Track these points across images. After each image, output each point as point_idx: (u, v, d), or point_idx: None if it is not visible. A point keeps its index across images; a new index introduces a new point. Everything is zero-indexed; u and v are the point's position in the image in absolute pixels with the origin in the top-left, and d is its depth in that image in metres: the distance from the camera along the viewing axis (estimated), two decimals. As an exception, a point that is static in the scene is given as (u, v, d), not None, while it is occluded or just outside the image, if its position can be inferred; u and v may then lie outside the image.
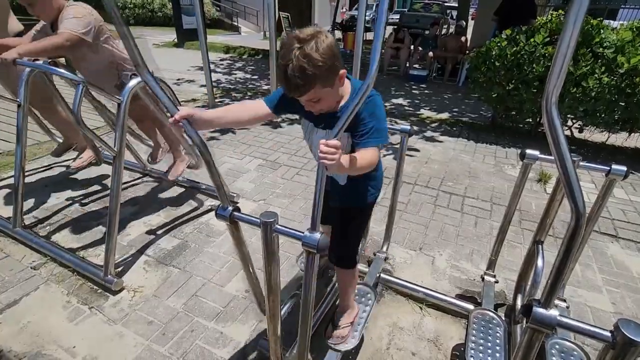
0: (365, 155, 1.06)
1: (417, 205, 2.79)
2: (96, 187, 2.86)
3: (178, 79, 6.66)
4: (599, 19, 3.56)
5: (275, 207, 2.70)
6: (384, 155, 3.63)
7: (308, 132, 1.23)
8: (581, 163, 1.41)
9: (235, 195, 2.79)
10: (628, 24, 3.50)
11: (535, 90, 3.69)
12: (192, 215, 2.56)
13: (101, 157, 2.66)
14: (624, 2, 14.41)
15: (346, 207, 1.36)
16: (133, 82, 1.81)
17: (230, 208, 1.02)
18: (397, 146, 2.85)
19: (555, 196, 1.46)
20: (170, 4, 13.14)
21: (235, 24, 16.95)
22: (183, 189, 2.90)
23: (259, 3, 15.84)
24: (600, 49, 3.37)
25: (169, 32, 13.15)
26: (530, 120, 4.21)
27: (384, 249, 2.10)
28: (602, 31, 3.39)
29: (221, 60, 9.12)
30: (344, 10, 15.80)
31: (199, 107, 5.05)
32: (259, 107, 1.18)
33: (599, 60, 3.39)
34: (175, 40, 11.28)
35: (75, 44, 1.99)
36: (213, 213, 2.53)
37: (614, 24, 3.74)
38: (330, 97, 1.04)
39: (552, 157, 0.74)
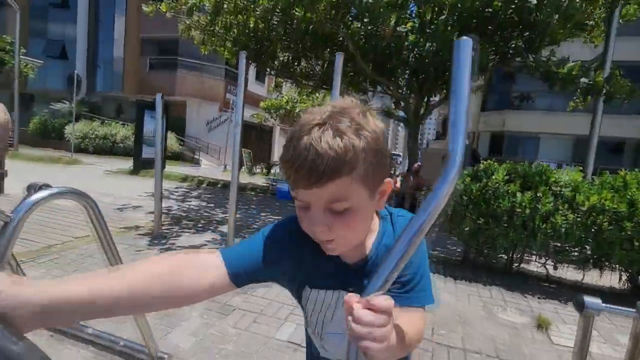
0: (415, 323, 0.60)
1: (413, 366, 2.14)
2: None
3: (123, 205, 6.07)
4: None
5: (222, 375, 1.90)
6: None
7: (320, 312, 0.69)
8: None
9: (165, 357, 1.98)
10: (574, 169, 3.78)
11: (505, 225, 3.62)
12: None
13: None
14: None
15: None
16: None
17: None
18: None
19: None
20: (133, 135, 13.49)
21: (197, 157, 17.56)
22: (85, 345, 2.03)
23: (222, 140, 16.91)
24: (558, 188, 3.51)
25: (127, 161, 13.07)
26: (504, 255, 4.05)
27: None
28: (554, 172, 3.61)
29: (177, 188, 8.82)
30: None
31: (139, 234, 4.37)
32: (208, 264, 0.58)
33: (559, 198, 3.49)
34: (131, 168, 11.06)
35: None
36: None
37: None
38: (362, 215, 0.59)
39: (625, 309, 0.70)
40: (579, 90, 4.63)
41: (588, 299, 1.14)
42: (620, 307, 1.10)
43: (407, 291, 0.64)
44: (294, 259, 0.65)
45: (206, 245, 4.28)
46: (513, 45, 5.75)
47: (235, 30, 6.43)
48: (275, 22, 5.93)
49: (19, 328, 0.41)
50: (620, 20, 5.89)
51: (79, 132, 15.81)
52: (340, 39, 5.88)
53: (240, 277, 0.60)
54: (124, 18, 19.80)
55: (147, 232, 4.51)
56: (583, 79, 4.36)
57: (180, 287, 0.53)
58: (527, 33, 5.38)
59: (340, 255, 0.64)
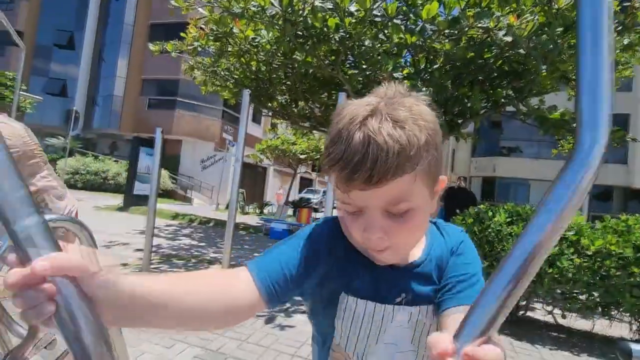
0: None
1: None
2: None
3: (110, 242, 5.82)
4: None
5: None
6: None
7: (360, 328, 0.58)
8: None
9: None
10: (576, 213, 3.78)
11: (511, 269, 3.51)
12: None
13: None
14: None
15: None
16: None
17: None
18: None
19: None
20: (126, 172, 13.36)
21: (189, 196, 17.37)
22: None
23: (216, 179, 16.85)
24: (562, 231, 3.46)
25: (117, 198, 12.83)
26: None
27: None
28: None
29: (167, 225, 8.57)
30: (281, 191, 17.52)
31: (133, 272, 4.14)
32: (238, 282, 0.50)
33: (564, 242, 3.43)
34: (121, 204, 10.83)
35: None
36: None
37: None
38: (423, 217, 0.53)
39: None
40: (570, 133, 4.78)
41: (635, 346, 1.03)
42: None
43: (462, 290, 0.56)
44: (331, 262, 0.57)
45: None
46: (504, 94, 6.01)
47: (237, 72, 6.64)
48: (277, 65, 6.14)
49: (100, 304, 0.36)
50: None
51: (70, 167, 15.65)
52: (339, 82, 6.08)
53: (272, 292, 0.52)
54: (127, 59, 20.49)
55: (135, 270, 4.27)
56: (575, 125, 4.50)
57: (232, 304, 0.48)
58: (517, 82, 5.65)
59: (395, 250, 0.56)
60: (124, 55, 20.59)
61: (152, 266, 4.45)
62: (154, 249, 5.02)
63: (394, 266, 0.58)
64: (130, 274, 0.41)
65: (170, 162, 18.08)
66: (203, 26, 4.88)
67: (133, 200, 10.64)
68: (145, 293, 0.41)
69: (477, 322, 0.34)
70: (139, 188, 10.86)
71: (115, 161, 17.37)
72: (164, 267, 4.67)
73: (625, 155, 16.68)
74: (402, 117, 0.48)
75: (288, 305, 3.67)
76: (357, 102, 0.52)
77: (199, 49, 5.15)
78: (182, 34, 5.37)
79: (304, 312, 3.52)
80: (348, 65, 6.12)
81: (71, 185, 15.48)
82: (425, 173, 0.50)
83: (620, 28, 4.14)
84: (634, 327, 3.66)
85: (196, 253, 5.80)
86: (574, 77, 6.17)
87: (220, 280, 0.50)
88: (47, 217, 1.32)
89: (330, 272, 0.57)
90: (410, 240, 0.55)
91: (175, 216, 10.04)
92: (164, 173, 16.97)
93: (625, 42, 4.18)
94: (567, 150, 7.16)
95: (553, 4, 4.36)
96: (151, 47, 5.49)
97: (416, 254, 0.60)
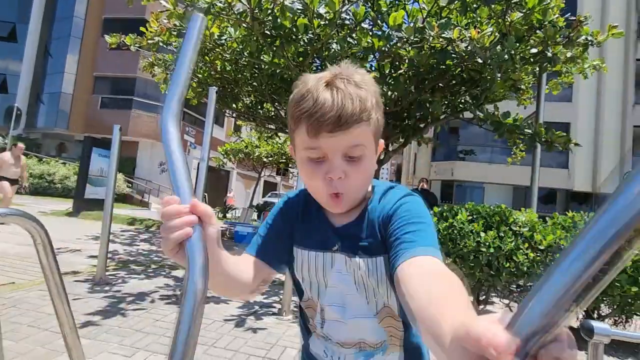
0: (444, 271, 0.50)
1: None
2: None
3: (59, 248, 5.36)
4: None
5: None
6: None
7: (316, 272, 0.69)
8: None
9: None
10: (529, 210, 4.04)
11: (472, 264, 3.67)
12: None
13: None
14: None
15: None
16: None
17: None
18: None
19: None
20: (76, 175, 12.43)
21: (146, 200, 16.51)
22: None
23: (176, 183, 16.16)
24: (517, 227, 3.69)
25: (65, 202, 11.91)
26: (471, 297, 4.07)
27: None
28: (512, 212, 3.81)
29: (123, 231, 8.06)
30: (231, 195, 17.39)
31: (78, 280, 3.83)
32: (248, 261, 0.68)
33: (519, 238, 3.65)
34: (70, 209, 10.04)
35: None
36: None
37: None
38: (371, 164, 0.65)
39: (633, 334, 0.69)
40: (522, 138, 5.13)
41: (597, 325, 1.11)
42: (628, 332, 1.08)
43: (412, 236, 0.57)
44: (292, 225, 0.71)
45: (157, 291, 3.82)
46: (462, 100, 6.33)
47: (201, 71, 6.43)
48: (243, 65, 6.03)
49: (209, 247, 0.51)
50: (547, 91, 6.83)
51: (10, 169, 14.27)
52: (306, 84, 6.10)
53: (272, 258, 0.69)
54: (77, 55, 19.17)
55: (88, 278, 3.96)
56: (527, 130, 4.83)
57: (243, 268, 0.66)
58: (474, 89, 5.98)
59: (329, 217, 0.69)
60: (74, 50, 19.23)
61: (107, 273, 4.15)
62: (109, 255, 4.69)
63: (334, 224, 0.69)
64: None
65: (126, 164, 17.09)
66: (165, 20, 4.68)
67: (84, 205, 9.90)
68: (223, 255, 0.58)
69: (543, 309, 0.26)
70: (90, 192, 10.13)
71: (63, 163, 16.07)
72: (121, 273, 4.38)
73: (567, 160, 18.22)
74: (359, 79, 0.61)
75: (257, 307, 3.58)
76: (317, 74, 0.63)
77: (161, 44, 4.92)
78: (142, 29, 5.10)
79: (274, 314, 3.44)
80: (315, 68, 6.15)
81: (11, 190, 14.11)
82: (375, 127, 0.63)
83: (565, 42, 4.52)
84: (580, 316, 3.97)
85: (156, 258, 5.50)
86: (523, 86, 6.69)
87: (245, 260, 0.68)
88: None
89: (291, 233, 0.71)
90: (361, 185, 0.65)
91: (131, 221, 9.49)
92: (119, 176, 15.99)
93: (569, 54, 4.57)
94: (519, 159, 7.70)
95: (507, 17, 4.68)
96: (107, 39, 5.16)
97: (355, 213, 0.68)
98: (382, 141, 0.68)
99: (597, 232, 0.25)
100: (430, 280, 0.47)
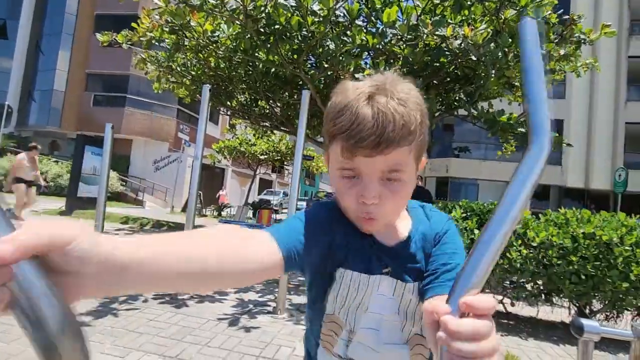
0: None
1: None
2: None
3: (52, 248, 5.31)
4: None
5: None
6: None
7: (357, 294, 0.62)
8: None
9: None
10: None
11: (466, 262, 3.70)
12: None
13: None
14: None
15: None
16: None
17: None
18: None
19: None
20: (69, 173, 12.32)
21: (140, 198, 16.41)
22: None
23: (170, 181, 16.07)
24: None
25: (57, 202, 11.79)
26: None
27: None
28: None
29: (117, 230, 8.01)
30: (223, 192, 17.19)
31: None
32: (260, 242, 0.53)
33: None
34: (62, 208, 9.95)
35: None
36: None
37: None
38: (410, 188, 0.60)
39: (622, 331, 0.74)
40: (515, 135, 5.16)
41: (587, 322, 1.11)
42: (617, 330, 1.09)
43: (448, 279, 0.58)
44: (329, 238, 0.62)
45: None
46: (457, 98, 6.35)
47: (194, 69, 6.37)
48: (237, 62, 5.99)
49: (75, 290, 0.33)
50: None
51: (2, 168, 14.11)
52: (301, 81, 6.07)
53: (291, 254, 0.55)
54: (69, 52, 18.93)
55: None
56: (520, 129, 4.86)
57: (246, 260, 0.48)
58: (468, 87, 5.99)
59: (376, 236, 0.64)
60: (66, 47, 18.98)
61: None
62: (102, 254, 4.65)
63: (383, 244, 0.64)
64: (113, 238, 0.36)
65: (120, 163, 16.95)
66: (157, 16, 4.63)
67: (77, 204, 9.82)
68: (136, 253, 0.37)
69: (467, 280, 0.38)
70: (83, 190, 10.05)
71: (55, 162, 15.91)
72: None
73: (560, 157, 18.38)
74: (404, 97, 0.55)
75: (251, 306, 3.57)
76: (360, 82, 0.58)
77: (153, 41, 4.87)
78: (133, 25, 5.04)
79: (268, 312, 3.44)
80: (309, 65, 6.12)
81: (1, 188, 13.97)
82: (417, 148, 0.57)
83: (557, 40, 4.54)
84: (572, 312, 4.02)
85: (150, 257, 5.47)
86: (517, 83, 6.72)
87: (236, 242, 0.49)
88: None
89: (330, 248, 0.62)
90: (396, 209, 0.61)
91: (125, 220, 9.42)
92: (113, 175, 15.87)
93: (562, 52, 4.59)
94: (509, 153, 7.77)
95: (500, 14, 4.69)
96: (99, 36, 5.10)
97: (403, 233, 0.65)
98: (425, 157, 0.62)
99: (492, 232, 0.38)
100: None
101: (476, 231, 3.69)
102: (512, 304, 3.95)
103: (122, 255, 0.35)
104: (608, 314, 3.78)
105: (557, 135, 4.89)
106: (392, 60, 5.72)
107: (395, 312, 0.63)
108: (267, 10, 4.18)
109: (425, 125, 0.58)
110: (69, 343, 0.29)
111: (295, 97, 6.61)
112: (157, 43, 5.12)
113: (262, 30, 4.59)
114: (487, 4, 4.59)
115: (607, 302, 3.59)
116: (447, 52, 4.81)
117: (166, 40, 5.32)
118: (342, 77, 5.49)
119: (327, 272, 0.63)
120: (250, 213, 12.55)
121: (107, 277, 0.34)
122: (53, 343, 0.29)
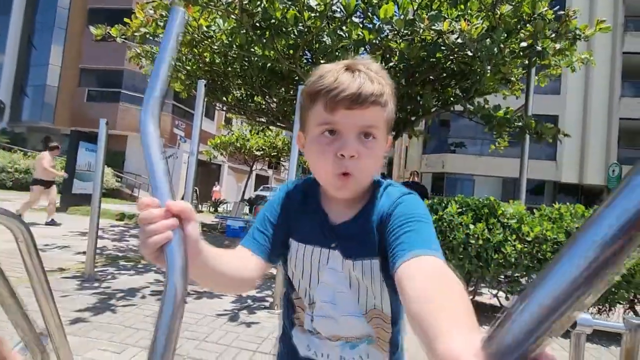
0: (445, 272, 0.48)
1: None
2: None
3: (46, 244, 5.28)
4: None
5: None
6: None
7: (310, 266, 0.69)
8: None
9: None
10: (517, 202, 4.09)
11: (462, 256, 3.72)
12: None
13: None
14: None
15: None
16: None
17: None
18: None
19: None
20: (63, 169, 12.21)
21: (136, 194, 16.31)
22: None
23: (166, 177, 15.97)
24: (505, 219, 3.74)
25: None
26: (460, 287, 4.14)
27: None
28: (501, 205, 3.86)
29: (112, 226, 7.98)
30: (217, 188, 17.17)
31: (65, 277, 3.79)
32: (244, 255, 0.67)
33: (507, 229, 3.71)
34: (58, 204, 9.87)
35: None
36: None
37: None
38: (381, 150, 0.65)
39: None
40: (510, 130, 5.19)
41: (580, 315, 1.13)
42: (609, 322, 1.11)
43: (412, 240, 0.55)
44: (289, 216, 0.70)
45: (147, 287, 3.79)
46: (453, 93, 6.36)
47: (190, 63, 6.32)
48: (232, 57, 5.95)
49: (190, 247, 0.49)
50: (536, 82, 6.91)
51: (-5, 165, 13.97)
52: (297, 77, 6.04)
53: (269, 253, 0.68)
54: (62, 46, 18.68)
55: (76, 275, 3.91)
56: (517, 123, 4.88)
57: (238, 263, 0.64)
58: (464, 82, 6.00)
59: (328, 213, 0.69)
60: (59, 41, 18.73)
61: (97, 269, 4.11)
62: (98, 251, 4.63)
63: (333, 221, 0.68)
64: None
65: (115, 159, 16.82)
66: (152, 11, 4.57)
67: (72, 200, 9.75)
68: (211, 253, 0.55)
69: (517, 331, 0.25)
70: (78, 187, 9.97)
71: (49, 158, 15.75)
72: (110, 269, 4.34)
73: (555, 152, 18.51)
74: (376, 70, 0.63)
75: (249, 301, 3.58)
76: (337, 63, 0.63)
77: (147, 36, 4.82)
78: (126, 20, 4.98)
79: (266, 308, 3.45)
80: (305, 61, 6.09)
81: (-3, 185, 13.84)
82: (388, 116, 0.64)
83: (553, 35, 4.55)
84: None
85: (146, 254, 5.46)
86: (512, 78, 6.73)
87: (240, 255, 0.66)
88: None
89: (289, 224, 0.70)
90: (369, 168, 0.64)
91: (121, 217, 9.37)
92: (107, 171, 15.75)
93: (558, 47, 4.60)
94: (502, 148, 7.78)
95: (496, 10, 4.69)
96: (92, 30, 5.03)
97: (353, 212, 0.68)
98: (391, 138, 0.68)
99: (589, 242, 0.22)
100: (428, 282, 0.45)
101: (471, 226, 3.72)
102: (507, 298, 3.99)
103: (203, 244, 0.53)
104: (600, 307, 3.83)
105: (554, 126, 4.90)
106: (388, 56, 5.71)
107: (347, 286, 0.67)
108: (262, 5, 4.14)
109: (393, 102, 0.64)
110: (185, 284, 0.44)
111: (291, 92, 6.58)
112: (151, 38, 5.07)
113: (257, 25, 4.55)
114: (483, -1, 4.59)
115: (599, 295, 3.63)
116: (443, 47, 4.81)
117: (160, 35, 5.27)
118: (338, 72, 5.46)
119: (284, 246, 0.70)
120: (246, 209, 12.53)
121: (195, 254, 0.51)
122: (183, 284, 0.44)
